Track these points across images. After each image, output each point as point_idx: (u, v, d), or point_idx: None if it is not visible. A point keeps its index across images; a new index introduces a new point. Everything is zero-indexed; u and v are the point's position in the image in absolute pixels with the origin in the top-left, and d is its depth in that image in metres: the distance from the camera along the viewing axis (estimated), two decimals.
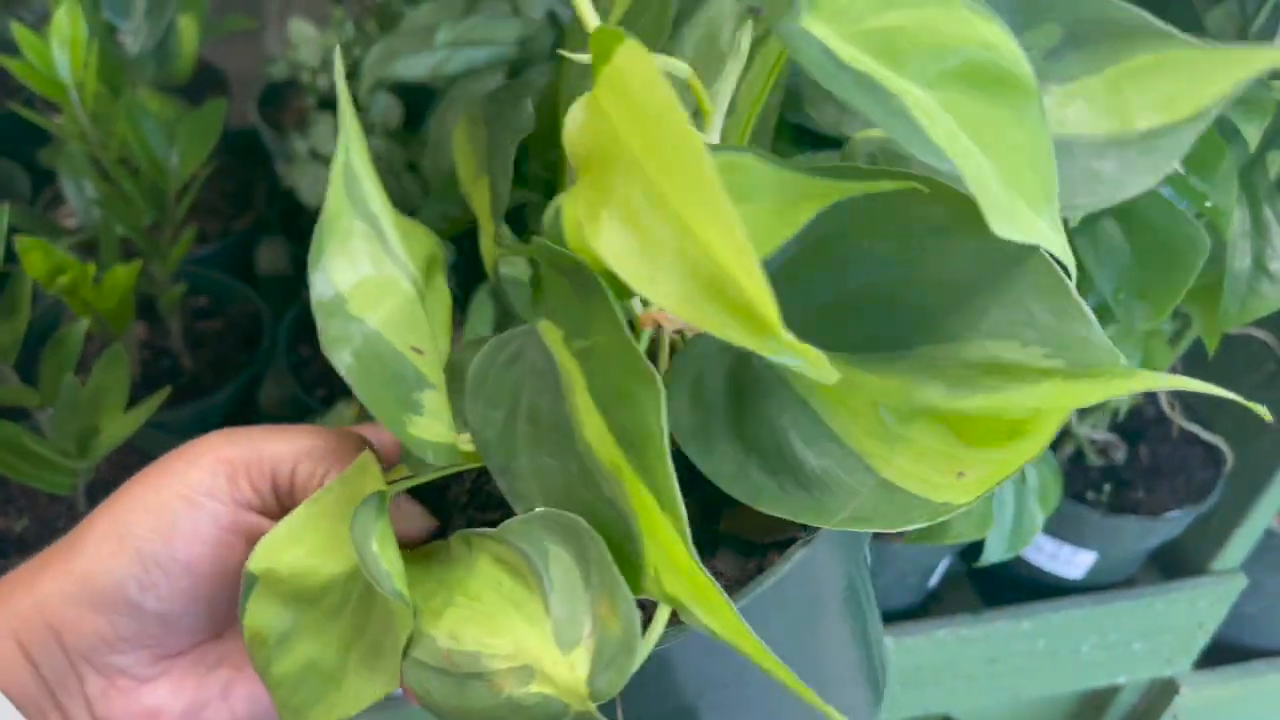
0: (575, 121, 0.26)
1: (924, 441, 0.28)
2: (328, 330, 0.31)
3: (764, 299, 0.21)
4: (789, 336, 0.21)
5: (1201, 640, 0.86)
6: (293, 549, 0.35)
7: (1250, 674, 0.91)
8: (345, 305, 0.32)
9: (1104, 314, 0.54)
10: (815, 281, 0.29)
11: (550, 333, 0.30)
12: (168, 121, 0.75)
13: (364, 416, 0.70)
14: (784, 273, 0.28)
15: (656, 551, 0.27)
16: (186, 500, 0.36)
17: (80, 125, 0.73)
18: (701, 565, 0.27)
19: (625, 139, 0.23)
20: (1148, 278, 0.46)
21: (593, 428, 0.29)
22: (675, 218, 0.22)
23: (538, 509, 0.30)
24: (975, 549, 0.81)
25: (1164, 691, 0.91)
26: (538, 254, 0.30)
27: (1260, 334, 0.71)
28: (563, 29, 0.75)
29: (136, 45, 0.78)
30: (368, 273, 0.33)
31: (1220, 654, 0.90)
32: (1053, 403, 0.26)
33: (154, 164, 0.73)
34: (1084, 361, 0.26)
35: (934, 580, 0.81)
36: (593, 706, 0.28)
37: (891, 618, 0.79)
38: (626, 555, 0.28)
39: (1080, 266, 0.46)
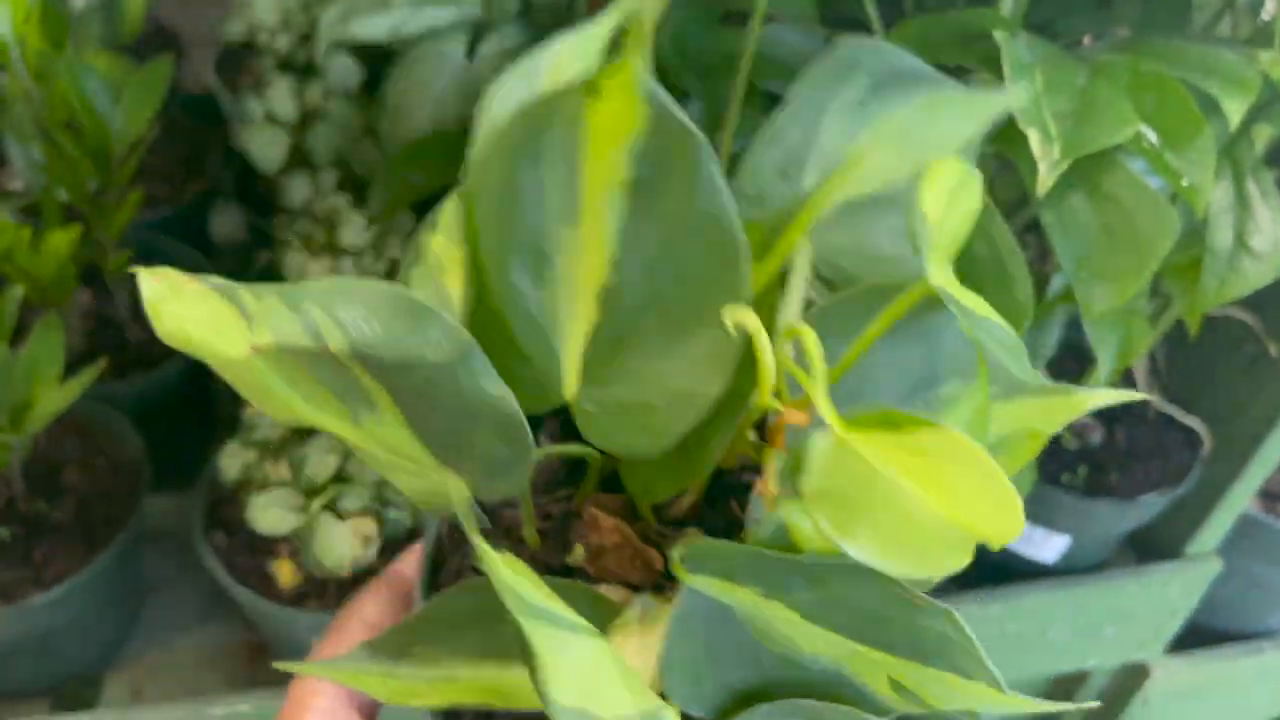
0: (823, 463, 0.24)
1: None
2: None
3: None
4: None
5: (1174, 625, 0.85)
6: None
7: (1222, 658, 0.90)
8: None
9: (1067, 295, 0.52)
10: None
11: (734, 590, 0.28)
12: (114, 81, 0.72)
13: None
14: None
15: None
16: None
17: (22, 84, 0.70)
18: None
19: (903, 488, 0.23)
20: (1112, 258, 0.44)
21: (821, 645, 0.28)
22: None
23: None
24: None
25: (1134, 675, 0.90)
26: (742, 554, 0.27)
27: (1243, 315, 0.70)
28: None
29: (81, 0, 0.74)
30: None
31: (1192, 637, 0.89)
32: None
33: (97, 125, 0.70)
34: None
35: None
36: None
37: None
38: None
39: (1044, 241, 0.44)
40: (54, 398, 0.58)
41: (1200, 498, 0.78)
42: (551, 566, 0.34)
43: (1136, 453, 0.75)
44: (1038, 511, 0.74)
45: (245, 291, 0.25)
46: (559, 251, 0.26)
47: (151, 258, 0.83)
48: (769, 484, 0.27)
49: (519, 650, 0.26)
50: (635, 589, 0.32)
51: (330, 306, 0.25)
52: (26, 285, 0.63)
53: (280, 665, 0.32)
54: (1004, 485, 0.22)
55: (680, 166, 0.24)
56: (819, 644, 0.28)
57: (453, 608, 0.31)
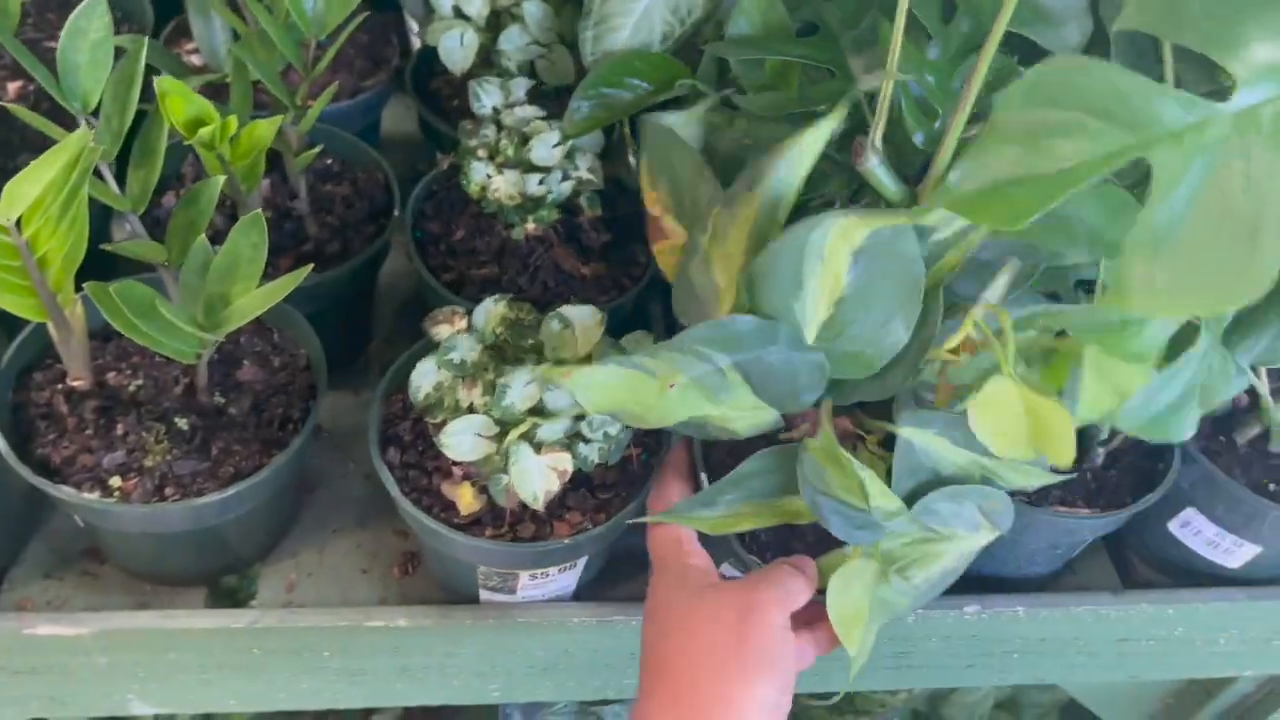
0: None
1: None
2: None
3: None
4: None
5: None
6: None
7: None
8: None
9: None
10: None
11: None
12: None
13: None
14: None
15: None
16: None
17: None
18: None
19: None
20: None
21: None
22: None
23: None
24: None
25: None
26: None
27: None
28: None
29: None
30: None
31: None
32: None
33: (297, 4, 0.66)
34: None
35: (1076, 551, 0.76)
36: None
37: (1027, 585, 0.74)
38: None
39: None
40: (251, 301, 0.56)
41: None
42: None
43: None
44: (1233, 517, 0.69)
45: (647, 360, 0.49)
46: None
47: (325, 152, 0.80)
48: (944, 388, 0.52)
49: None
50: None
51: (713, 345, 0.49)
52: (223, 174, 0.61)
53: (645, 519, 0.58)
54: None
55: None
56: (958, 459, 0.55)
57: (747, 470, 0.56)
